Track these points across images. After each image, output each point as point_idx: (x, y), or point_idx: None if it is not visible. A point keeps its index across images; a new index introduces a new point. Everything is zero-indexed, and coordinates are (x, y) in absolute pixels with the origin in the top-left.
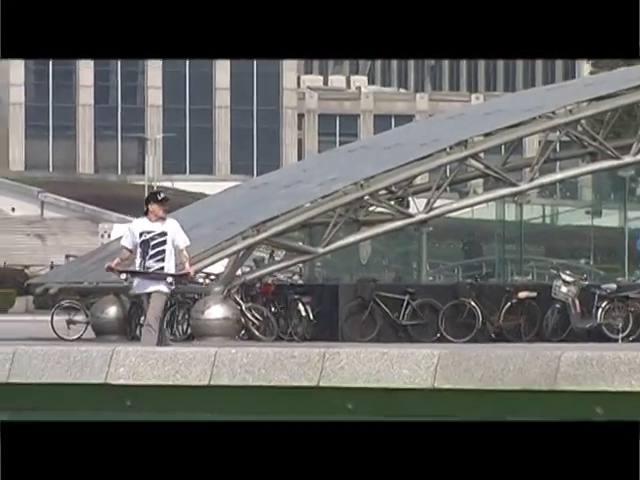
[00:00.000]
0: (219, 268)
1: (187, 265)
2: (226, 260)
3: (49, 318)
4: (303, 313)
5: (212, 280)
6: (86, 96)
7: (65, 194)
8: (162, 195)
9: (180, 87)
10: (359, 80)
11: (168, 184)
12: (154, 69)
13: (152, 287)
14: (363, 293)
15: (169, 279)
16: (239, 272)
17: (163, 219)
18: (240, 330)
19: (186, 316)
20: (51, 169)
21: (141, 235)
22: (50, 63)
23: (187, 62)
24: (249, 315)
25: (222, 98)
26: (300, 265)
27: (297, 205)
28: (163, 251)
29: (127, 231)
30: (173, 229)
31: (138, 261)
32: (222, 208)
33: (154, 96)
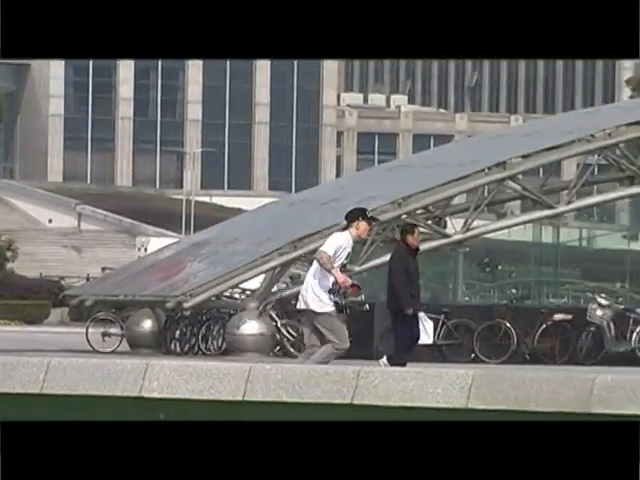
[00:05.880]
0: (255, 284)
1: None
2: (262, 276)
3: (84, 330)
4: None
5: (248, 296)
6: (125, 109)
7: (102, 206)
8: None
9: (220, 102)
10: (399, 99)
11: (206, 199)
12: (194, 84)
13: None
14: None
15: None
16: (275, 288)
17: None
18: (275, 346)
19: (221, 331)
20: (89, 181)
21: (344, 252)
22: (90, 75)
23: (228, 77)
24: (284, 331)
25: (262, 114)
26: None
27: (334, 223)
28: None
29: (345, 242)
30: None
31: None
32: (259, 224)
33: (193, 110)
